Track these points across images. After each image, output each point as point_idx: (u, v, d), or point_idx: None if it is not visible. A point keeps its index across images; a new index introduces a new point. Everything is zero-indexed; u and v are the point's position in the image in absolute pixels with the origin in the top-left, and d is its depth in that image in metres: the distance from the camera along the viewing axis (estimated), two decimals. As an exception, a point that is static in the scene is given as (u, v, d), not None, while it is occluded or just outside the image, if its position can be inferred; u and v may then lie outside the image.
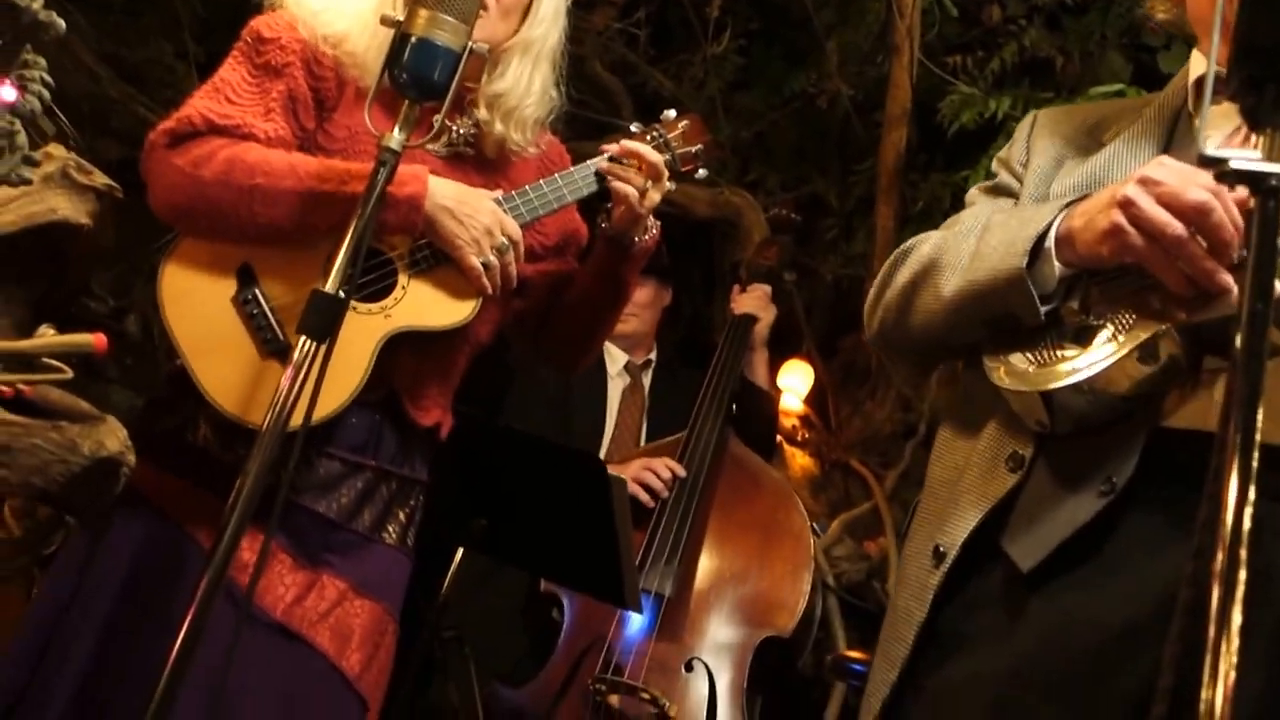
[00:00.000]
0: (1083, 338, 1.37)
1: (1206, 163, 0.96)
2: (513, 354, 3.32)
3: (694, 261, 4.82)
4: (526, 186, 1.92)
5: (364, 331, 1.77)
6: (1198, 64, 1.55)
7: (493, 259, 1.81)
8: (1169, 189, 1.27)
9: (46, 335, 1.42)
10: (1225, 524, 0.87)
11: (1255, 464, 0.88)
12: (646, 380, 3.55)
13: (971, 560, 1.43)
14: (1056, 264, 1.38)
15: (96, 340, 1.44)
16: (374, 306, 1.81)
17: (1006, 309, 1.42)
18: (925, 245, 1.57)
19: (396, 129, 1.52)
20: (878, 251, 4.39)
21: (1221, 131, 1.45)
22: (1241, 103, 0.98)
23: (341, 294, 1.47)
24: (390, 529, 1.87)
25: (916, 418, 4.13)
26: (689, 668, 2.79)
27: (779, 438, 4.35)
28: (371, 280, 1.82)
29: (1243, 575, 0.86)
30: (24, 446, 1.35)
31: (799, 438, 4.33)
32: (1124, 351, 1.32)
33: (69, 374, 1.38)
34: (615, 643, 2.81)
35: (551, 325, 2.13)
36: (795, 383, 4.39)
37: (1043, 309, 1.39)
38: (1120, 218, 1.29)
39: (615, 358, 3.52)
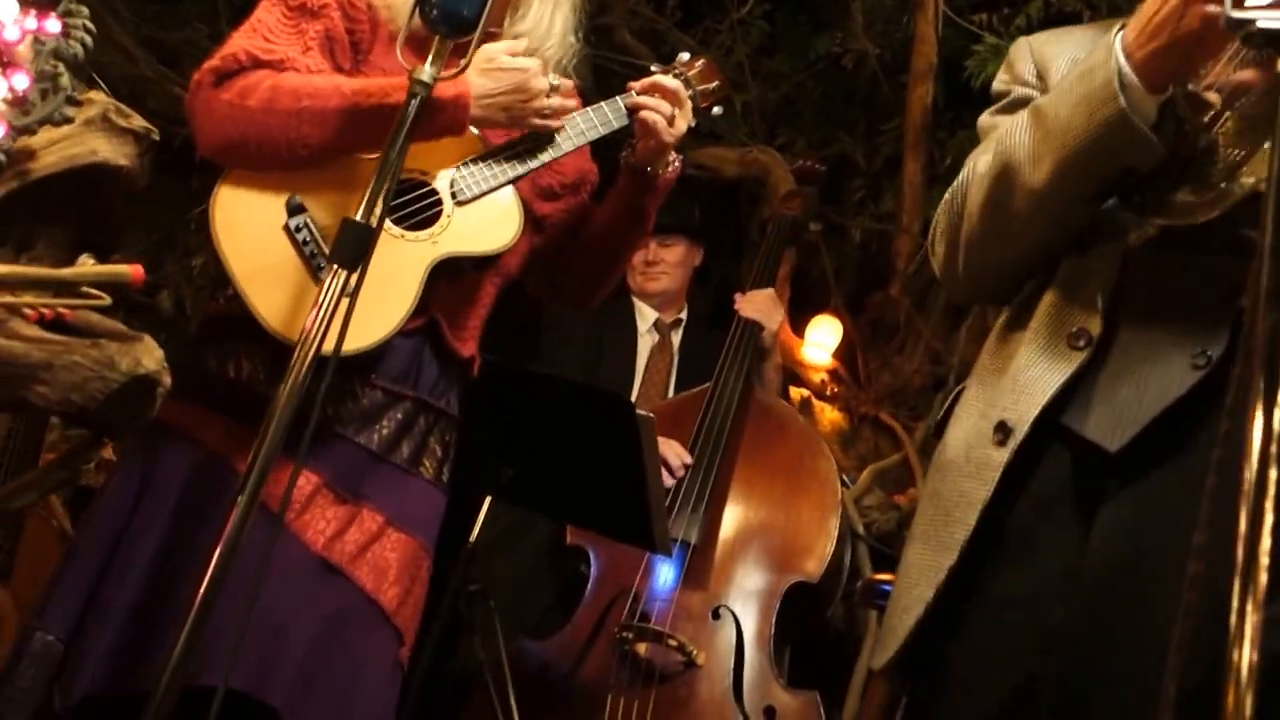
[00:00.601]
0: (1215, 152, 1.28)
1: (1232, 25, 0.94)
2: (545, 314, 3.36)
3: (724, 224, 4.83)
4: (565, 119, 1.95)
5: (413, 258, 1.82)
6: None
7: (554, 104, 1.88)
8: None
9: (86, 265, 1.46)
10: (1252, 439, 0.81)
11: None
12: (676, 339, 3.56)
13: (1029, 448, 1.34)
14: (1146, 93, 1.28)
15: (134, 271, 1.47)
16: (421, 234, 1.85)
17: (1120, 163, 1.32)
18: (978, 165, 1.47)
19: (428, 63, 1.56)
20: (906, 207, 4.39)
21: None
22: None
23: (371, 223, 1.50)
24: (427, 463, 1.90)
25: (946, 370, 4.12)
26: (716, 615, 2.80)
27: (809, 393, 4.37)
28: (418, 210, 1.86)
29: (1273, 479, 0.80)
30: (64, 363, 1.38)
31: (828, 392, 4.33)
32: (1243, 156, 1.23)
33: (107, 300, 1.42)
34: (642, 592, 2.83)
35: (570, 260, 2.16)
36: (824, 338, 4.40)
37: (1160, 147, 1.28)
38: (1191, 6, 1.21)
39: (645, 315, 3.53)
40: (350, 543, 1.78)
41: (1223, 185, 1.25)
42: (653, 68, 2.10)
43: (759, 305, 3.32)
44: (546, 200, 1.99)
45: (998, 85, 1.63)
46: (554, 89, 1.89)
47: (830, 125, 5.14)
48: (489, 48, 1.84)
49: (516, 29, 1.97)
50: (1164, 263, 1.33)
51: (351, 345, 1.43)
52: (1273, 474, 0.80)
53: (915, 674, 1.45)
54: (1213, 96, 1.31)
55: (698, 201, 3.81)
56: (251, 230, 1.80)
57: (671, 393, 3.42)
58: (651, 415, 2.32)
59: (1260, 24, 0.91)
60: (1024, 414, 1.34)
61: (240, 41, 1.84)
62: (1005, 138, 1.43)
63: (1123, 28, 1.32)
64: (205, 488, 1.76)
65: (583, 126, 1.97)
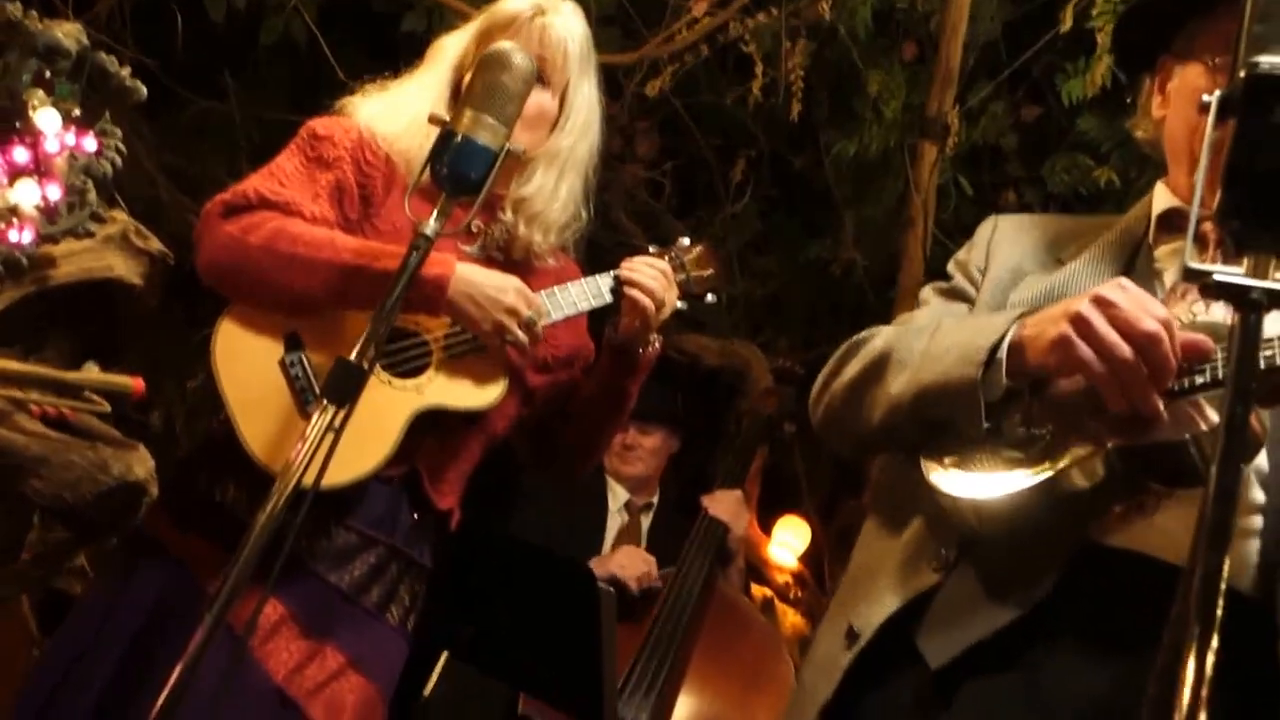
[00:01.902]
0: (1021, 450, 1.38)
1: (1191, 275, 1.01)
2: (525, 478, 3.37)
3: (700, 411, 4.89)
4: (544, 292, 2.00)
5: (397, 404, 1.86)
6: (1161, 197, 1.59)
7: (520, 336, 1.89)
8: (1123, 313, 1.29)
9: (91, 371, 1.48)
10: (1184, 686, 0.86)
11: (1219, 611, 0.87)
12: (645, 521, 3.58)
13: (885, 654, 1.41)
14: (1004, 374, 1.38)
15: (135, 383, 1.50)
16: (408, 383, 1.90)
17: (950, 415, 1.41)
18: (878, 339, 1.57)
19: (433, 218, 1.61)
20: (881, 417, 4.45)
21: (1171, 268, 1.50)
22: (1226, 225, 1.05)
23: (364, 365, 1.53)
24: (394, 610, 1.91)
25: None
26: (659, 805, 2.74)
27: (772, 594, 4.34)
28: (408, 359, 1.91)
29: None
30: (61, 460, 1.41)
31: (791, 595, 4.31)
32: (1061, 466, 1.33)
33: (106, 407, 1.44)
34: (587, 771, 2.77)
35: (553, 433, 2.19)
36: (792, 539, 4.41)
37: (985, 423, 1.39)
38: (1071, 331, 1.31)
39: (618, 495, 3.56)
40: (309, 678, 1.77)
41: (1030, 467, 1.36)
42: (650, 248, 2.16)
43: (727, 507, 3.35)
44: (539, 372, 2.04)
45: (952, 264, 1.73)
46: (529, 323, 1.92)
47: (813, 329, 5.27)
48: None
49: (520, 191, 2.03)
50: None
51: (327, 480, 1.45)
52: (1202, 717, 0.84)
53: None
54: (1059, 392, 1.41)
55: (676, 387, 3.88)
56: (249, 361, 1.85)
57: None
58: (612, 591, 2.31)
59: (1217, 277, 0.97)
60: (869, 623, 1.42)
61: (253, 181, 1.93)
62: (906, 335, 1.54)
63: (1031, 314, 1.42)
64: (174, 607, 1.77)
65: (574, 297, 2.01)
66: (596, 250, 2.42)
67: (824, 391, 1.63)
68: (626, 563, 3.00)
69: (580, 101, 2.08)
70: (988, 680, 1.34)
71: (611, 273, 2.06)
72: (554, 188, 2.06)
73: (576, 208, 2.10)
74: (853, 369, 1.57)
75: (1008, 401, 1.41)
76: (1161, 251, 1.55)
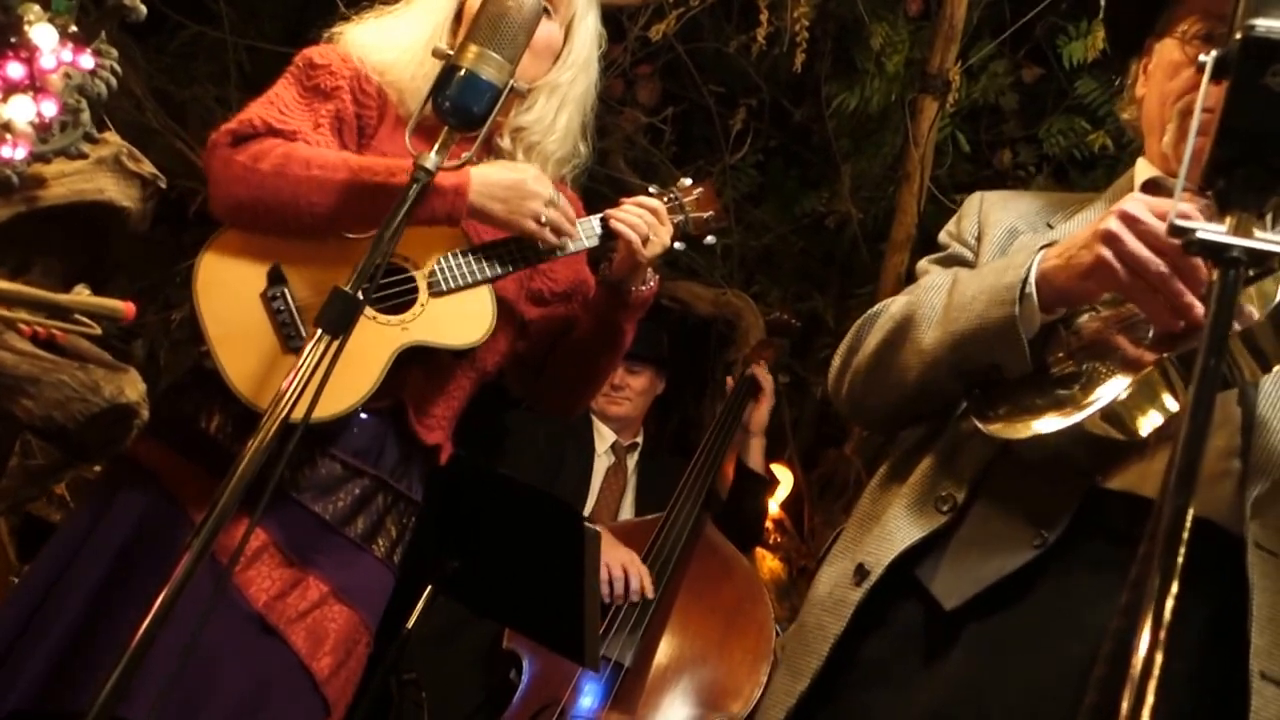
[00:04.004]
0: (1071, 382, 1.39)
1: (1175, 232, 1.04)
2: (511, 417, 3.40)
3: (690, 358, 4.91)
4: None
5: (382, 340, 1.86)
6: (1143, 169, 1.62)
7: (551, 214, 1.91)
8: (1149, 227, 1.31)
9: (82, 294, 1.49)
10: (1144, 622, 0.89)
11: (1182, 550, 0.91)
12: (631, 462, 3.61)
13: (891, 592, 1.44)
14: (1038, 309, 1.40)
15: (126, 307, 1.51)
16: (394, 319, 1.90)
17: (992, 358, 1.43)
18: (893, 306, 1.58)
19: (434, 151, 1.61)
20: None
21: None
22: (1213, 184, 1.07)
23: (360, 295, 1.54)
24: (380, 541, 1.92)
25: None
26: (639, 741, 2.79)
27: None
28: (394, 295, 1.91)
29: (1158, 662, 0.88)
30: (51, 381, 1.41)
31: (771, 541, 4.36)
32: (1130, 383, 1.33)
33: (97, 330, 1.45)
34: (569, 707, 2.82)
35: (548, 369, 2.20)
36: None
37: (1030, 360, 1.40)
38: (1106, 251, 1.32)
39: (604, 436, 3.58)
40: (291, 606, 1.79)
41: (1069, 407, 1.37)
42: (650, 189, 2.16)
43: (763, 375, 3.51)
44: (535, 305, 2.04)
45: (943, 235, 1.75)
46: (553, 203, 1.94)
47: (806, 281, 5.28)
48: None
49: (519, 121, 2.04)
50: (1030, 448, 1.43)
51: (301, 409, 1.46)
52: (1158, 657, 0.87)
53: None
54: (1089, 327, 1.43)
55: (667, 333, 3.90)
56: (231, 293, 1.85)
57: (624, 515, 3.46)
58: (598, 530, 2.33)
59: (1199, 234, 0.99)
60: (880, 560, 1.45)
61: (257, 110, 1.92)
62: (922, 293, 1.55)
63: (1047, 248, 1.44)
64: (157, 529, 1.77)
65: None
66: (592, 196, 2.42)
67: (846, 369, 1.63)
68: (615, 563, 3.00)
69: (584, 35, 2.08)
70: (996, 620, 1.38)
71: (600, 214, 2.07)
72: (553, 119, 2.06)
73: (574, 142, 2.10)
74: (875, 338, 1.57)
75: (1045, 340, 1.43)
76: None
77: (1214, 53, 1.08)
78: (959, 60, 4.10)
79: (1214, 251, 1.02)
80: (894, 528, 1.47)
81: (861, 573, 1.47)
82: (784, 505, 4.44)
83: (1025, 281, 1.40)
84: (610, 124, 4.61)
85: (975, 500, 1.45)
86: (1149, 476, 1.35)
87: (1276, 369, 1.33)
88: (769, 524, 4.40)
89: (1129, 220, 1.33)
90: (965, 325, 1.44)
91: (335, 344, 1.51)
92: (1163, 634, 0.89)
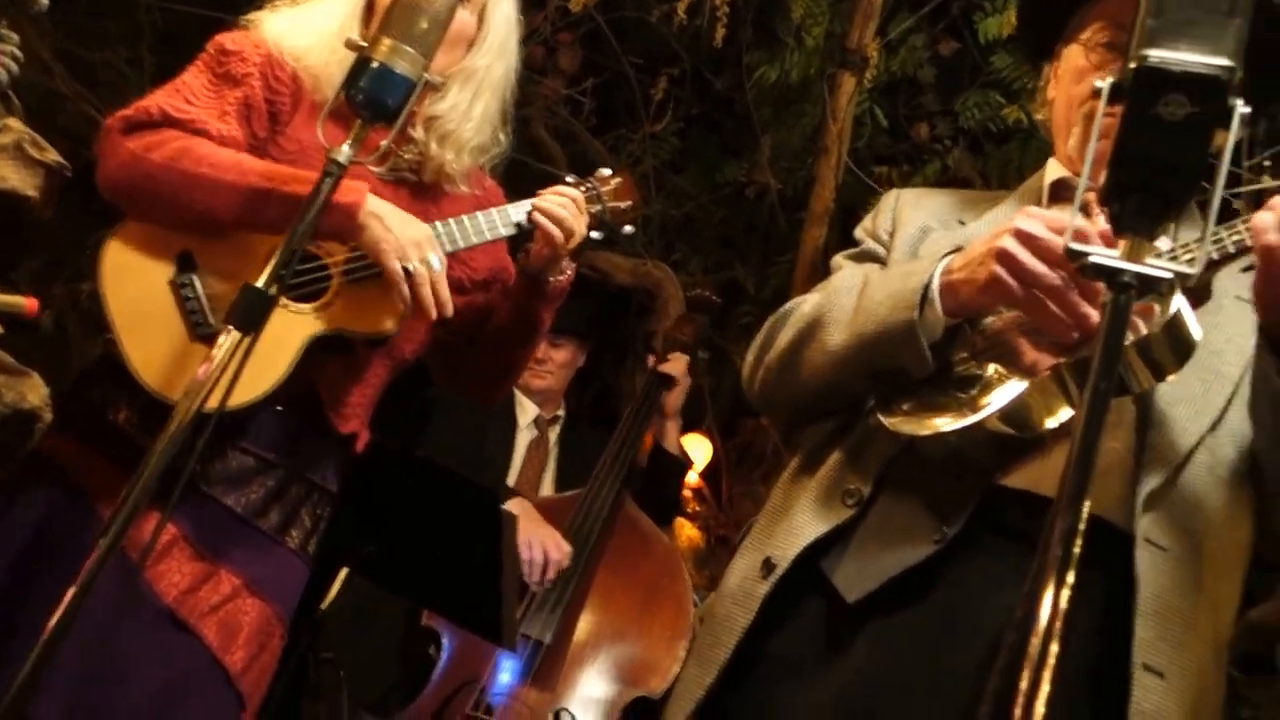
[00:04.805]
0: (972, 383, 1.45)
1: (1070, 255, 1.07)
2: (434, 392, 3.39)
3: (610, 328, 4.92)
4: (453, 219, 1.99)
5: (292, 328, 1.84)
6: (1052, 169, 1.68)
7: (418, 268, 1.86)
8: (1043, 241, 1.36)
9: (-20, 292, 1.45)
10: (1040, 613, 0.95)
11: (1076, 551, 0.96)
12: (553, 435, 3.62)
13: (798, 585, 1.49)
14: (941, 314, 1.45)
15: (29, 303, 1.48)
16: (305, 307, 1.88)
17: (896, 360, 1.48)
18: (805, 305, 1.63)
19: (346, 144, 1.59)
20: (788, 342, 4.53)
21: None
22: (1109, 207, 1.10)
23: (272, 291, 1.53)
24: (294, 533, 1.91)
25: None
26: (556, 718, 2.83)
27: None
28: (306, 282, 1.88)
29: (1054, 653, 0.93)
30: (-51, 388, 1.37)
31: (689, 510, 4.42)
32: (1027, 386, 1.39)
33: (-1, 330, 1.42)
34: (488, 684, 2.85)
35: (468, 357, 2.19)
36: (693, 456, 4.49)
37: (931, 362, 1.45)
38: (1000, 269, 1.37)
39: (527, 409, 3.59)
40: (202, 600, 1.78)
41: (968, 407, 1.43)
42: (568, 178, 2.15)
43: (674, 366, 3.49)
44: (454, 293, 2.03)
45: (859, 231, 1.79)
46: (427, 264, 1.87)
47: (726, 249, 5.31)
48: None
49: (433, 110, 2.01)
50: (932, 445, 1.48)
51: (214, 403, 1.44)
52: (1054, 648, 0.92)
53: None
54: (993, 328, 1.48)
55: (587, 303, 3.91)
56: (138, 280, 1.82)
57: (547, 488, 3.47)
58: (515, 514, 2.36)
59: (1093, 259, 1.03)
60: (786, 554, 1.50)
61: (158, 98, 1.88)
62: (832, 294, 1.60)
63: (954, 253, 1.48)
64: (64, 524, 1.75)
65: (483, 225, 2.00)
66: (515, 166, 2.40)
67: (758, 365, 1.66)
68: (536, 544, 3.01)
69: (499, 21, 2.06)
70: (897, 612, 1.43)
71: (526, 201, 2.05)
72: (468, 107, 2.03)
73: (493, 130, 2.08)
74: (786, 335, 1.61)
75: (950, 340, 1.48)
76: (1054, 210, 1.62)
77: (1109, 79, 1.11)
78: (877, 35, 4.14)
79: (1106, 275, 1.06)
80: (801, 521, 1.52)
81: (769, 566, 1.51)
82: (702, 474, 4.50)
83: (928, 288, 1.45)
84: (531, 92, 4.58)
85: (880, 495, 1.50)
86: (1046, 475, 1.40)
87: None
88: (687, 493, 4.46)
89: (1023, 237, 1.37)
90: (870, 329, 1.49)
91: (247, 340, 1.50)
92: (1059, 625, 0.94)
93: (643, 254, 4.77)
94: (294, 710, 2.72)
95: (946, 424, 1.42)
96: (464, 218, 1.97)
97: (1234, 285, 1.44)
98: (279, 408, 1.86)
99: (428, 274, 1.86)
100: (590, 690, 2.89)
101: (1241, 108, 1.05)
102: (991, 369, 1.46)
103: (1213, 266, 1.40)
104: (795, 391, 1.61)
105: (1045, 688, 0.92)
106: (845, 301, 1.55)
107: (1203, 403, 1.45)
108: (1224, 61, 1.03)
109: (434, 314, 1.88)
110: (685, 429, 4.54)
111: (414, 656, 3.01)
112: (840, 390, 1.57)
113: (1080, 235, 1.08)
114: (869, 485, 1.50)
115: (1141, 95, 1.07)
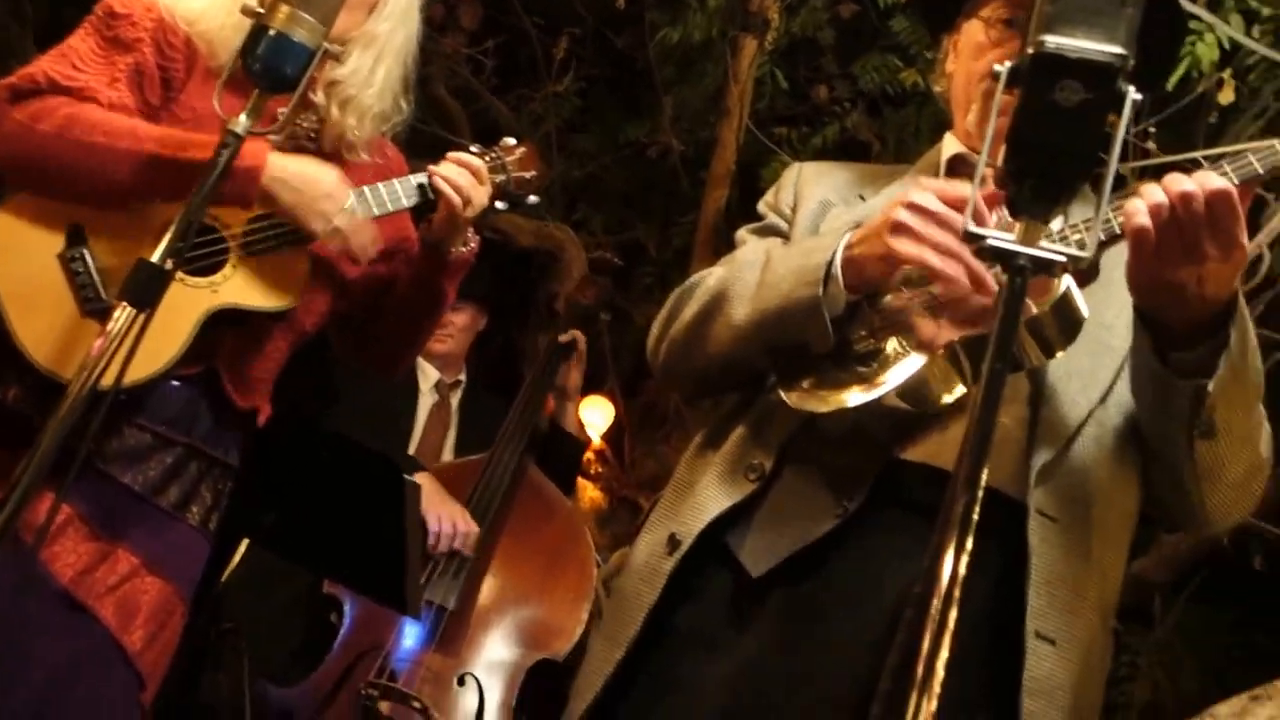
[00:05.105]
0: (871, 359, 1.48)
1: (969, 238, 1.10)
2: (335, 359, 3.34)
3: (512, 291, 4.90)
4: (354, 191, 1.93)
5: (189, 303, 1.79)
6: (950, 143, 1.70)
7: (340, 223, 1.83)
8: (935, 208, 1.39)
9: None
10: (940, 580, 0.98)
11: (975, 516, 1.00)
12: (455, 400, 3.60)
13: (703, 560, 1.51)
14: (843, 289, 1.47)
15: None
16: (202, 281, 1.83)
17: (799, 335, 1.50)
18: (710, 279, 1.64)
19: (244, 114, 1.55)
20: (690, 303, 4.56)
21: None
22: (1006, 190, 1.13)
23: (167, 265, 1.48)
24: (194, 509, 1.88)
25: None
26: (461, 681, 2.84)
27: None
28: (202, 255, 1.83)
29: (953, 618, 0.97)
30: None
31: (591, 471, 4.44)
32: (924, 363, 1.42)
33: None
34: (392, 650, 2.84)
35: (371, 328, 2.16)
36: (595, 418, 4.52)
37: (832, 337, 1.47)
38: (895, 241, 1.40)
39: (428, 374, 3.56)
40: (100, 580, 1.75)
41: (868, 382, 1.46)
42: (471, 147, 2.12)
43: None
44: (356, 263, 2.00)
45: (762, 205, 1.80)
46: (349, 210, 1.85)
47: (628, 209, 5.32)
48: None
49: (334, 75, 1.96)
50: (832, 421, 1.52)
51: (109, 381, 1.41)
52: (952, 613, 0.96)
53: None
54: (892, 305, 1.51)
55: (489, 265, 3.88)
56: (26, 253, 1.76)
57: (448, 454, 3.45)
58: (418, 483, 2.34)
59: (989, 242, 1.06)
60: (691, 530, 1.52)
61: (44, 64, 1.81)
62: (736, 268, 1.61)
63: (855, 229, 1.51)
64: None
65: (385, 196, 1.96)
66: (416, 131, 2.36)
67: (663, 336, 1.67)
68: (446, 518, 3.00)
69: None
70: (800, 585, 1.46)
71: (429, 170, 2.02)
72: (369, 72, 1.99)
73: (395, 98, 2.04)
74: (691, 309, 1.62)
75: (850, 317, 1.50)
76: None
77: (1008, 63, 1.13)
78: (778, -2, 4.16)
79: (1003, 258, 1.09)
80: (705, 497, 1.54)
81: (674, 543, 1.53)
82: (605, 436, 4.52)
83: (831, 264, 1.47)
84: (431, 51, 4.50)
85: (782, 470, 1.52)
86: (944, 448, 1.44)
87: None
88: (590, 455, 4.48)
89: (914, 207, 1.40)
90: (774, 304, 1.51)
91: (142, 317, 1.46)
92: (957, 592, 0.97)
93: (544, 216, 4.74)
94: (196, 683, 2.68)
95: (846, 400, 1.45)
96: (365, 189, 1.94)
97: (1121, 261, 1.49)
98: (176, 383, 1.81)
99: (352, 223, 1.83)
100: (494, 654, 2.90)
101: (1133, 94, 1.08)
102: (890, 345, 1.48)
103: (1101, 246, 1.44)
104: (699, 365, 1.63)
105: (944, 653, 0.95)
106: (749, 276, 1.57)
107: (1091, 377, 1.50)
108: (1117, 50, 1.06)
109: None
110: (587, 390, 4.56)
111: (315, 625, 2.99)
112: (743, 364, 1.59)
113: (978, 217, 1.10)
114: (771, 460, 1.52)
115: (1039, 81, 1.09)
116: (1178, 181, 1.29)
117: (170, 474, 1.84)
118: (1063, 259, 1.08)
